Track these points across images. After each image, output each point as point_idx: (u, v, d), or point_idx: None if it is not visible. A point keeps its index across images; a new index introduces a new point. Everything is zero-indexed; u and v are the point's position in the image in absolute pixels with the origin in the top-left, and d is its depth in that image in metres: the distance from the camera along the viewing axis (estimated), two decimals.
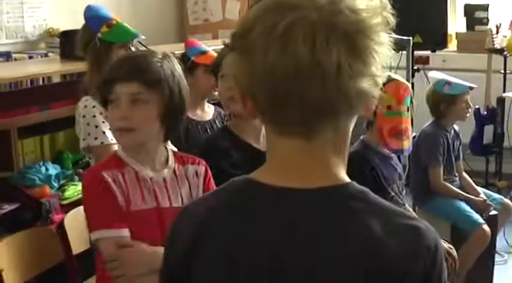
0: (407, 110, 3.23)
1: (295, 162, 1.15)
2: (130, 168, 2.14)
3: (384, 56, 1.13)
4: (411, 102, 3.26)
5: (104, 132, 3.00)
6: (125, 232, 2.09)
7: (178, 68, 2.20)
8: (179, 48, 4.56)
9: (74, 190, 3.95)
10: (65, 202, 3.82)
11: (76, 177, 4.10)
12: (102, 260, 2.15)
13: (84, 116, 3.02)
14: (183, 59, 3.70)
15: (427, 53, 6.33)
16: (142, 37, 3.31)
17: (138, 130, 2.10)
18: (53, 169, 4.00)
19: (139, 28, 3.41)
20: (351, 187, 1.16)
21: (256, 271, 1.12)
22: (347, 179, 1.17)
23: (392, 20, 1.13)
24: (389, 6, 1.13)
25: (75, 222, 3.40)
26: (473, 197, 4.48)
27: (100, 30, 3.10)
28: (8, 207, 3.61)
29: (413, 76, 5.23)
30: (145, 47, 3.41)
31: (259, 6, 1.12)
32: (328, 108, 1.10)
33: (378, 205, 1.14)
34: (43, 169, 3.95)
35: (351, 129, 1.18)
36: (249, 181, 1.18)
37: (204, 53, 3.70)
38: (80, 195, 3.87)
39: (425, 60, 6.41)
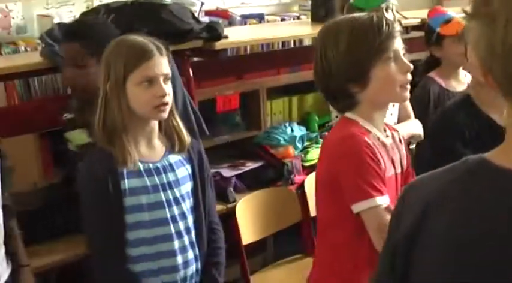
0: None
1: None
2: (372, 133, 2.04)
3: None
4: None
5: None
6: (389, 200, 1.96)
7: None
8: None
9: (317, 153, 3.95)
10: (307, 164, 3.84)
11: (320, 140, 4.10)
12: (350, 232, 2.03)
13: None
14: (429, 31, 3.53)
15: None
16: (394, 2, 3.19)
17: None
18: (298, 131, 4.04)
19: None
20: None
21: (482, 261, 1.03)
22: None
23: None
24: None
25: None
26: None
27: None
28: (251, 165, 3.70)
29: None
30: (397, 13, 3.30)
31: None
32: None
33: None
34: (288, 130, 4.00)
35: None
36: (483, 162, 1.08)
37: (448, 21, 3.48)
38: None
39: None
